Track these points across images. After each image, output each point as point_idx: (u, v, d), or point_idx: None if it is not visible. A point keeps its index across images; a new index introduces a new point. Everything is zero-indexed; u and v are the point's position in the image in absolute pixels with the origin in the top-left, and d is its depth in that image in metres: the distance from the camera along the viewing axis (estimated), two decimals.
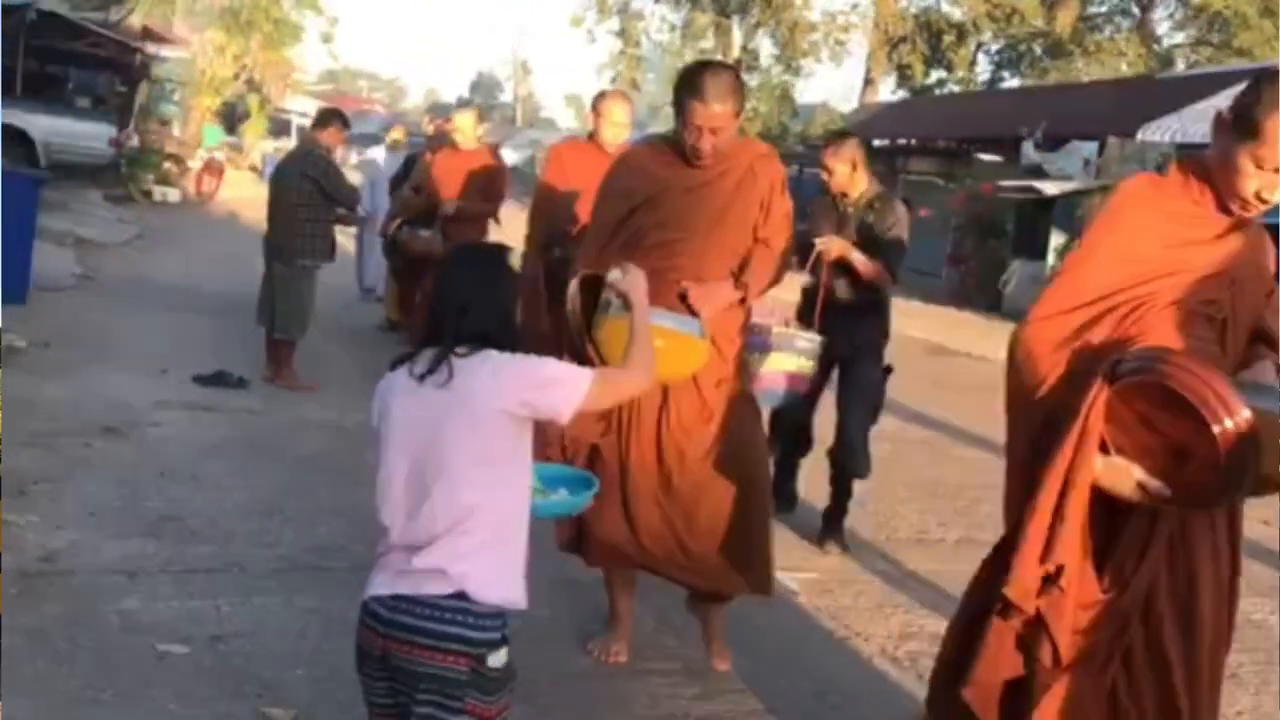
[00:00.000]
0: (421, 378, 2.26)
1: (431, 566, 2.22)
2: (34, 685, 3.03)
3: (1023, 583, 2.31)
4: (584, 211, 5.00)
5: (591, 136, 5.62)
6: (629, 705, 3.39)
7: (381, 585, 2.28)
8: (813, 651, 3.95)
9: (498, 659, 2.28)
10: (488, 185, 7.77)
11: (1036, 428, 2.39)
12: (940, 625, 4.30)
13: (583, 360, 3.24)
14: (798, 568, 4.73)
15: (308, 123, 8.54)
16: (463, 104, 9.74)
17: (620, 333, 2.96)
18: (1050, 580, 2.31)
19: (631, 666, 3.63)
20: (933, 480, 6.73)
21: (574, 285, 3.38)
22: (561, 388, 2.30)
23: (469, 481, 2.23)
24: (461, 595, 2.22)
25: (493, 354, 2.28)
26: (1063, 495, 2.28)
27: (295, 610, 3.75)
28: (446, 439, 2.23)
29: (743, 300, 3.53)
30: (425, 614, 2.21)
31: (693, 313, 3.38)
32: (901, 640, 4.14)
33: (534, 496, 2.50)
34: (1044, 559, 2.30)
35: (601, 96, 5.68)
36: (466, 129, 7.80)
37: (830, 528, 5.21)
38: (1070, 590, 2.32)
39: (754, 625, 3.92)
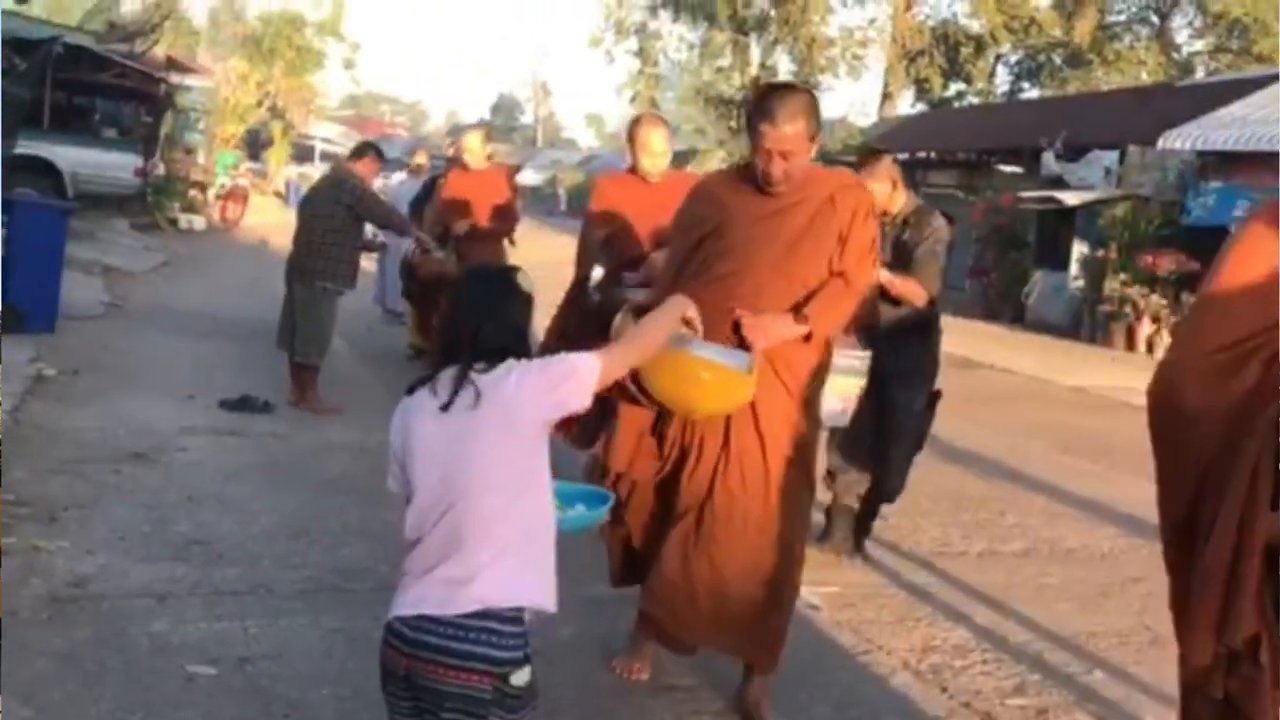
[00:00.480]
0: (447, 405, 2.30)
1: (454, 578, 2.26)
2: (65, 708, 3.08)
3: (1197, 659, 2.08)
4: (629, 246, 5.19)
5: (633, 169, 5.31)
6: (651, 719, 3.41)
7: (405, 605, 2.32)
8: (834, 665, 3.96)
9: (521, 677, 2.31)
10: (501, 205, 7.77)
11: (1191, 483, 2.14)
12: (963, 637, 4.33)
13: (624, 391, 3.25)
14: (820, 582, 4.73)
15: (332, 148, 8.67)
16: (472, 125, 9.91)
17: (667, 364, 3.02)
18: (1242, 657, 2.04)
19: (654, 683, 3.65)
20: (956, 492, 6.72)
21: (623, 315, 3.31)
22: (578, 375, 2.35)
23: (495, 490, 2.28)
24: (485, 614, 2.25)
25: (510, 364, 2.33)
26: (1236, 558, 2.02)
27: (321, 631, 3.79)
28: (476, 454, 2.27)
29: (809, 337, 3.32)
30: (449, 634, 2.25)
31: (745, 346, 3.23)
32: (924, 654, 4.14)
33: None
34: (1221, 632, 2.04)
35: (637, 123, 5.33)
36: (475, 149, 7.86)
37: (854, 541, 5.22)
38: (1271, 667, 2.02)
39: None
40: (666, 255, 3.69)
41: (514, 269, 2.58)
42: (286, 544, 4.61)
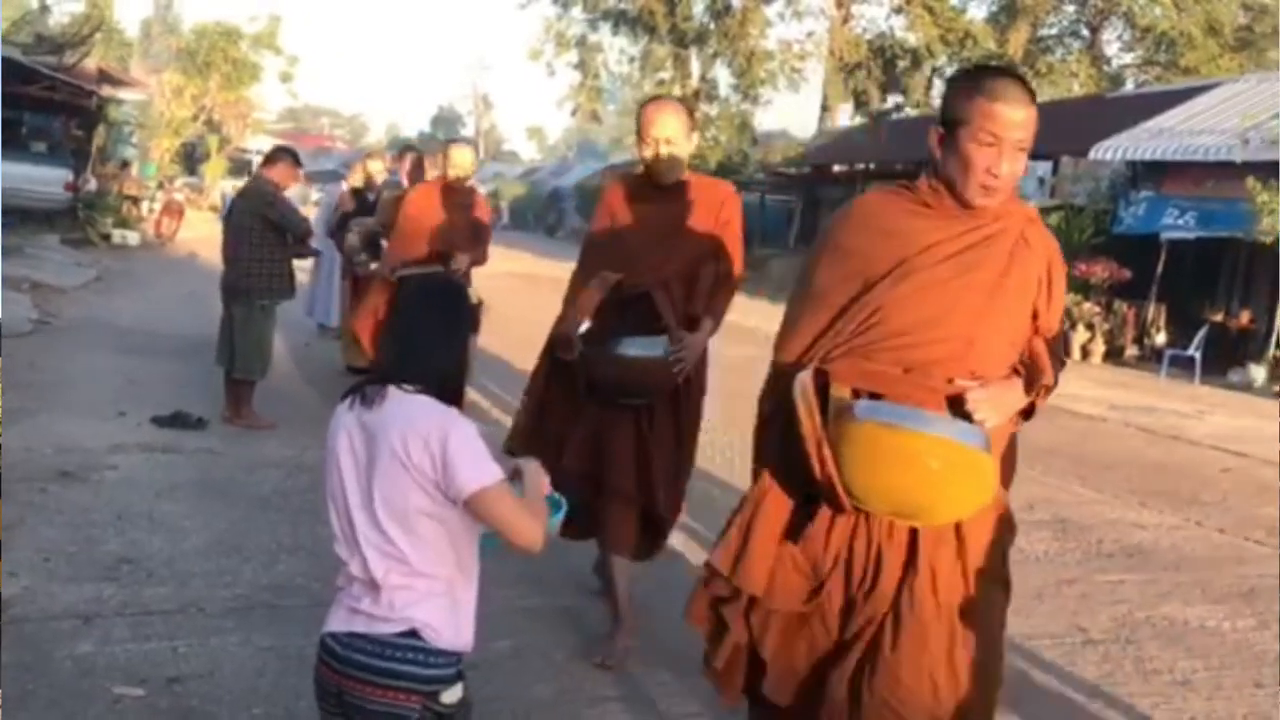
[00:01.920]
0: (363, 405, 2.27)
1: (382, 614, 2.23)
2: None
3: None
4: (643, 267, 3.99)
5: (647, 171, 3.99)
6: None
7: (338, 620, 2.29)
8: None
9: (452, 695, 2.29)
10: (477, 227, 7.13)
11: None
12: None
13: (813, 479, 2.41)
14: None
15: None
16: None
17: (873, 444, 2.32)
18: None
19: (590, 694, 3.64)
20: None
21: (807, 381, 2.41)
22: (464, 466, 2.19)
23: (400, 526, 2.23)
24: (413, 633, 2.23)
25: (421, 400, 2.25)
26: None
27: (253, 649, 3.73)
28: (378, 476, 2.24)
29: (1028, 412, 2.58)
30: (376, 651, 2.22)
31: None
32: None
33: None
34: None
35: (645, 106, 3.98)
36: (468, 165, 7.01)
37: None
38: None
39: None
40: (804, 301, 2.65)
41: (460, 284, 2.56)
42: (218, 561, 4.53)
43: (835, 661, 2.53)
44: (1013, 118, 2.39)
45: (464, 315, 2.43)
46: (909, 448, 2.32)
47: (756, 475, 2.66)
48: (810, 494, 2.50)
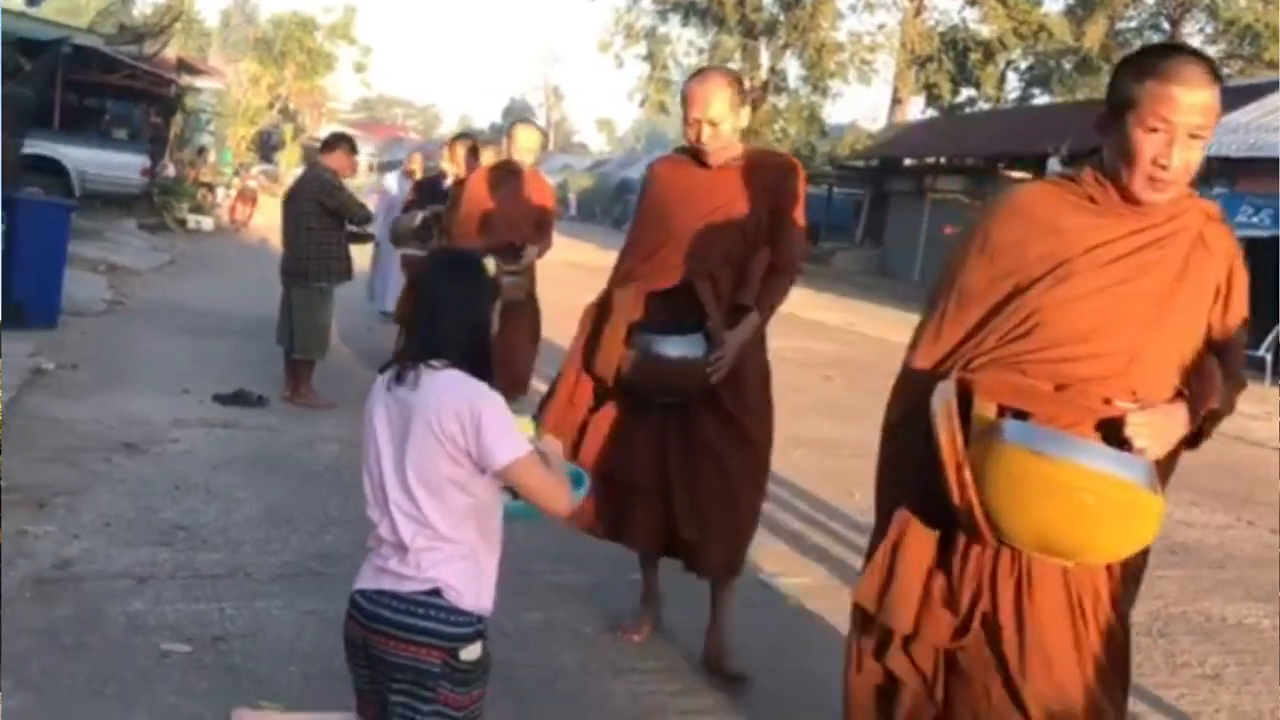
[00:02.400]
0: (398, 381, 2.41)
1: (409, 573, 2.36)
2: (40, 680, 3.19)
3: None
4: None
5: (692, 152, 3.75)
6: (611, 702, 3.50)
7: (367, 579, 2.43)
8: (798, 653, 4.03)
9: (471, 652, 2.41)
10: (542, 213, 6.66)
11: None
12: None
13: (951, 506, 2.15)
14: (788, 573, 4.82)
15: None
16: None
17: (1022, 472, 2.07)
18: None
19: (615, 665, 3.74)
20: None
21: (949, 396, 2.15)
22: (497, 439, 2.31)
23: (430, 492, 2.35)
24: (437, 592, 2.35)
25: (457, 378, 2.36)
26: None
27: (295, 612, 3.89)
28: (410, 448, 2.36)
29: (1193, 441, 2.30)
30: (402, 608, 2.35)
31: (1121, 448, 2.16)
32: None
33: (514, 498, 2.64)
34: None
35: (688, 82, 3.73)
36: (534, 146, 6.57)
37: None
38: None
39: (740, 627, 4.01)
40: (947, 301, 2.38)
41: (479, 256, 2.68)
42: (268, 530, 4.72)
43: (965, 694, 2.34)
44: (1187, 101, 2.13)
45: (482, 285, 2.54)
46: (1063, 480, 2.05)
47: (884, 492, 2.48)
48: (948, 516, 2.24)
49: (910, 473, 2.33)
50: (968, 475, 2.10)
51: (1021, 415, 2.20)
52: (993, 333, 2.26)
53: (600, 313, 3.75)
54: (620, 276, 3.79)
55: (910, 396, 2.35)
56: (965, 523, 2.18)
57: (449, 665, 2.37)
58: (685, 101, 3.63)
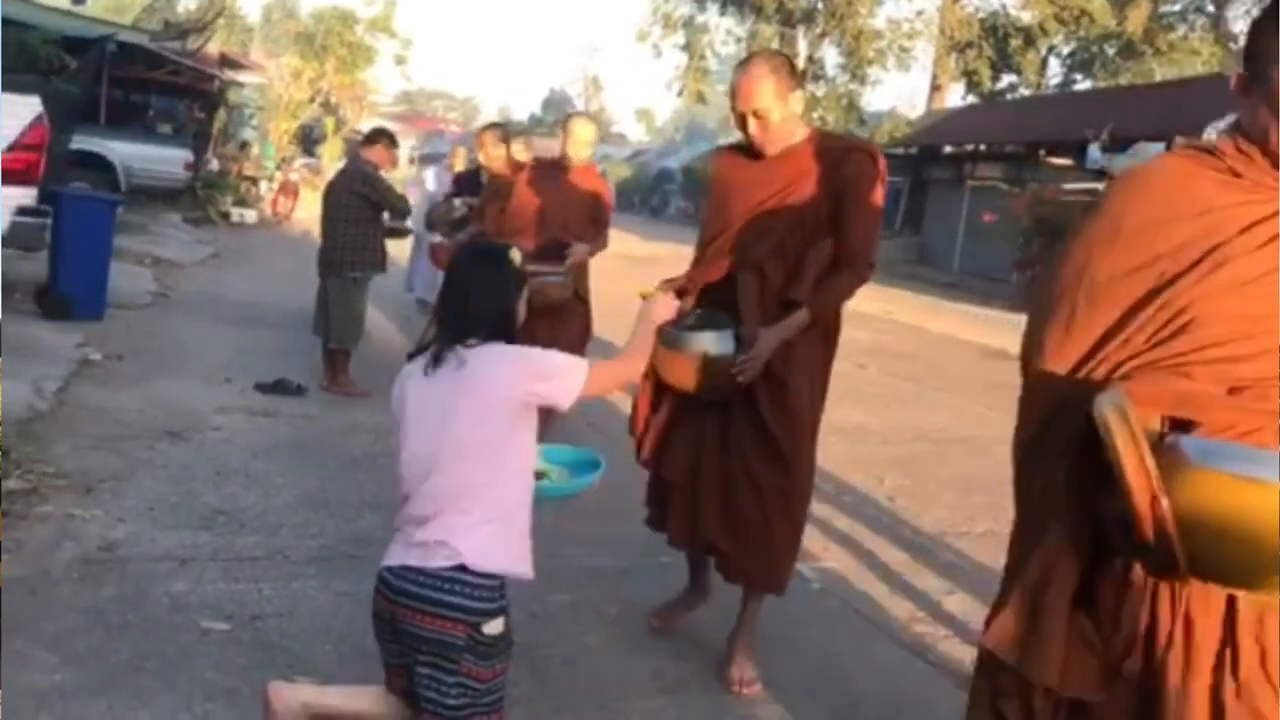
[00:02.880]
0: (435, 364, 2.51)
1: (433, 539, 2.47)
2: (85, 656, 3.33)
3: None
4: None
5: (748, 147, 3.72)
6: (633, 679, 3.59)
7: (394, 556, 2.54)
8: (817, 633, 4.11)
9: (494, 627, 2.51)
10: (597, 210, 6.21)
11: None
12: (950, 611, 4.47)
13: (1131, 537, 1.78)
14: (813, 558, 4.89)
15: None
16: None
17: (1220, 499, 1.75)
18: None
19: (638, 645, 3.84)
20: (967, 477, 6.82)
21: (1127, 406, 1.78)
22: (563, 378, 2.52)
23: (472, 461, 2.47)
24: (461, 568, 2.46)
25: (498, 346, 2.52)
26: None
27: (330, 593, 4.02)
28: (456, 422, 2.47)
29: None
30: (427, 583, 2.46)
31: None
32: (909, 625, 4.28)
33: (544, 479, 2.74)
34: None
35: (735, 71, 3.66)
36: (590, 139, 6.14)
37: None
38: None
39: (762, 608, 4.09)
40: (1077, 293, 2.03)
41: (507, 247, 2.78)
42: (306, 515, 4.86)
43: None
44: None
45: (509, 274, 2.66)
46: (1273, 506, 1.70)
47: (1027, 523, 2.16)
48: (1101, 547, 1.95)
49: (1060, 497, 2.02)
50: (1166, 506, 1.75)
51: (1185, 426, 1.90)
52: (1139, 331, 1.94)
53: None
54: (687, 272, 3.71)
55: (1049, 407, 2.06)
56: (1157, 559, 1.81)
57: (473, 639, 2.47)
58: (731, 93, 3.50)
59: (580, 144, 6.04)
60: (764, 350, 3.40)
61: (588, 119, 6.28)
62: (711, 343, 3.44)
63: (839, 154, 3.46)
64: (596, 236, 6.12)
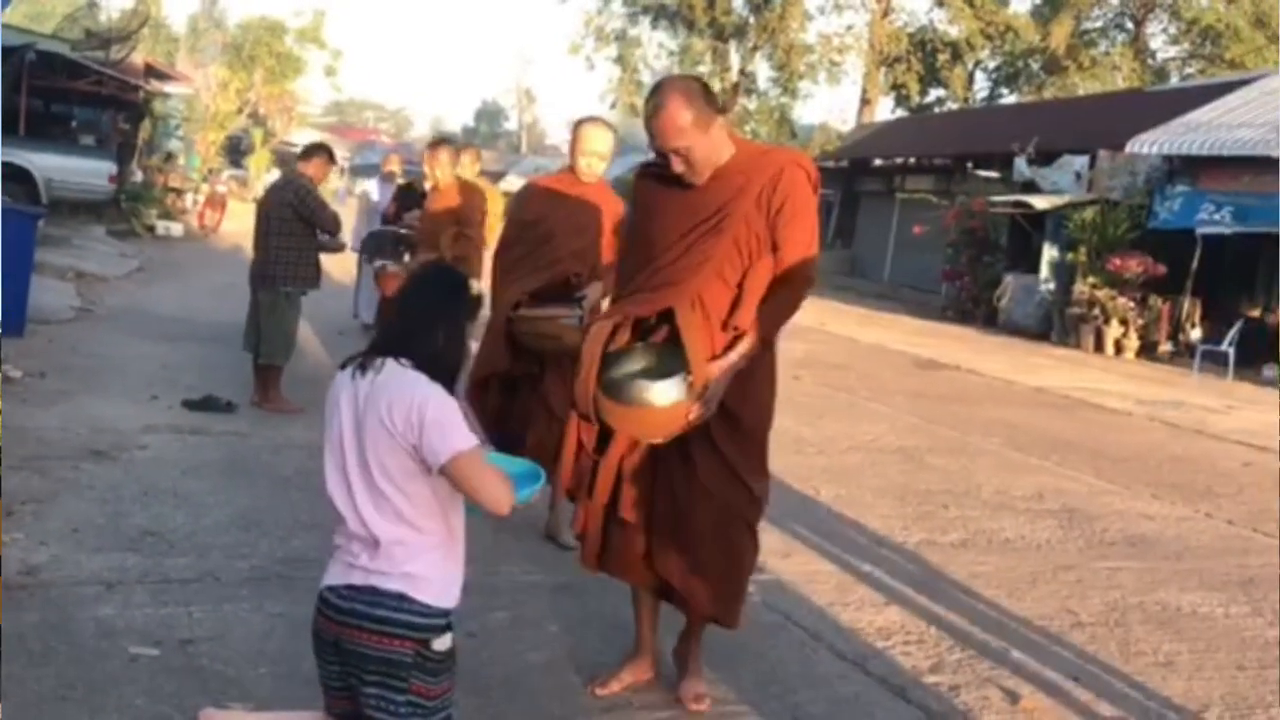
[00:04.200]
0: (361, 372, 2.46)
1: (379, 570, 2.42)
2: (8, 686, 3.21)
3: None
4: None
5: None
6: (576, 698, 3.56)
7: (336, 576, 2.49)
8: (758, 646, 4.10)
9: (442, 643, 2.47)
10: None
11: None
12: (888, 621, 4.50)
13: None
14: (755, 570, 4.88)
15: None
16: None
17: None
18: None
19: (579, 661, 3.80)
20: (902, 486, 6.89)
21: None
22: (441, 435, 2.36)
23: (398, 482, 2.42)
24: (407, 585, 2.41)
25: (409, 373, 2.42)
26: None
27: (263, 615, 3.93)
28: (368, 438, 2.42)
29: None
30: (374, 601, 2.41)
31: None
32: (848, 636, 4.29)
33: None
34: None
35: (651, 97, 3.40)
36: (607, 150, 4.90)
37: None
38: None
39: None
40: None
41: (463, 274, 2.75)
42: (237, 535, 4.75)
43: None
44: None
45: (462, 304, 2.61)
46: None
47: None
48: None
49: None
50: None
51: None
52: None
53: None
54: (609, 306, 3.52)
55: None
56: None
57: (421, 656, 2.43)
58: (647, 129, 3.27)
59: (594, 156, 4.77)
60: (717, 392, 3.24)
61: (603, 124, 4.94)
62: (662, 394, 3.18)
63: (772, 170, 3.29)
64: (610, 272, 4.79)
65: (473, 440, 2.41)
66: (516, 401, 5.01)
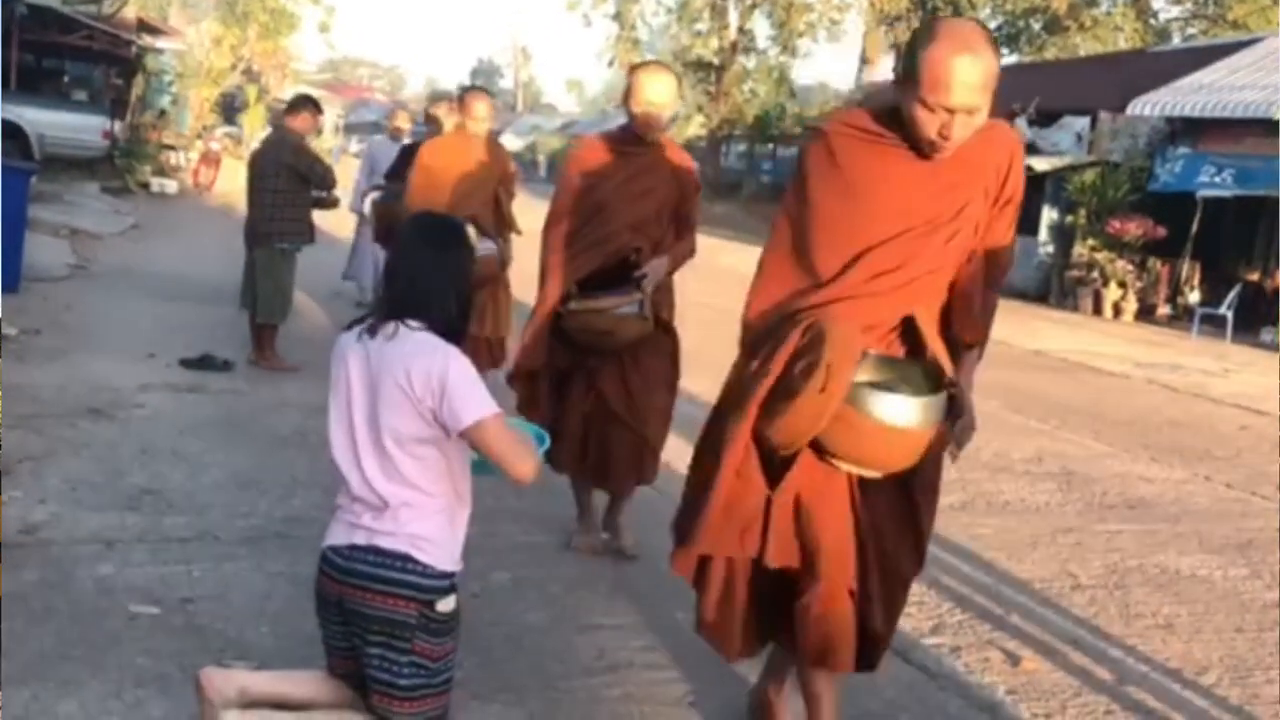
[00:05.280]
0: (371, 335, 2.42)
1: (384, 530, 2.39)
2: (8, 644, 3.19)
3: None
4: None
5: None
6: (577, 657, 3.55)
7: (339, 536, 2.46)
8: None
9: (446, 604, 2.45)
10: (682, 205, 4.50)
11: None
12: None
13: None
14: None
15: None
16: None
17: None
18: None
19: (581, 621, 3.80)
20: None
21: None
22: (463, 400, 2.34)
23: (399, 449, 2.39)
24: (413, 546, 2.39)
25: (423, 336, 2.39)
26: None
27: (264, 574, 3.92)
28: (383, 405, 2.39)
29: None
30: (378, 562, 2.38)
31: None
32: None
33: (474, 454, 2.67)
34: None
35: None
36: (669, 98, 4.19)
37: None
38: None
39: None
40: None
41: (462, 223, 2.69)
42: (236, 494, 4.73)
43: None
44: None
45: (464, 258, 2.55)
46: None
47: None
48: None
49: None
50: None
51: None
52: None
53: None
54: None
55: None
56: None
57: (425, 617, 2.41)
58: (925, 77, 2.49)
59: (659, 105, 4.12)
60: (973, 419, 2.81)
61: (664, 69, 4.32)
62: (929, 410, 2.64)
63: (1005, 152, 2.71)
64: (681, 241, 4.40)
65: (494, 406, 2.38)
66: (567, 400, 4.34)
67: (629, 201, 4.21)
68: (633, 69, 4.41)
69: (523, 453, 2.43)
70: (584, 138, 5.02)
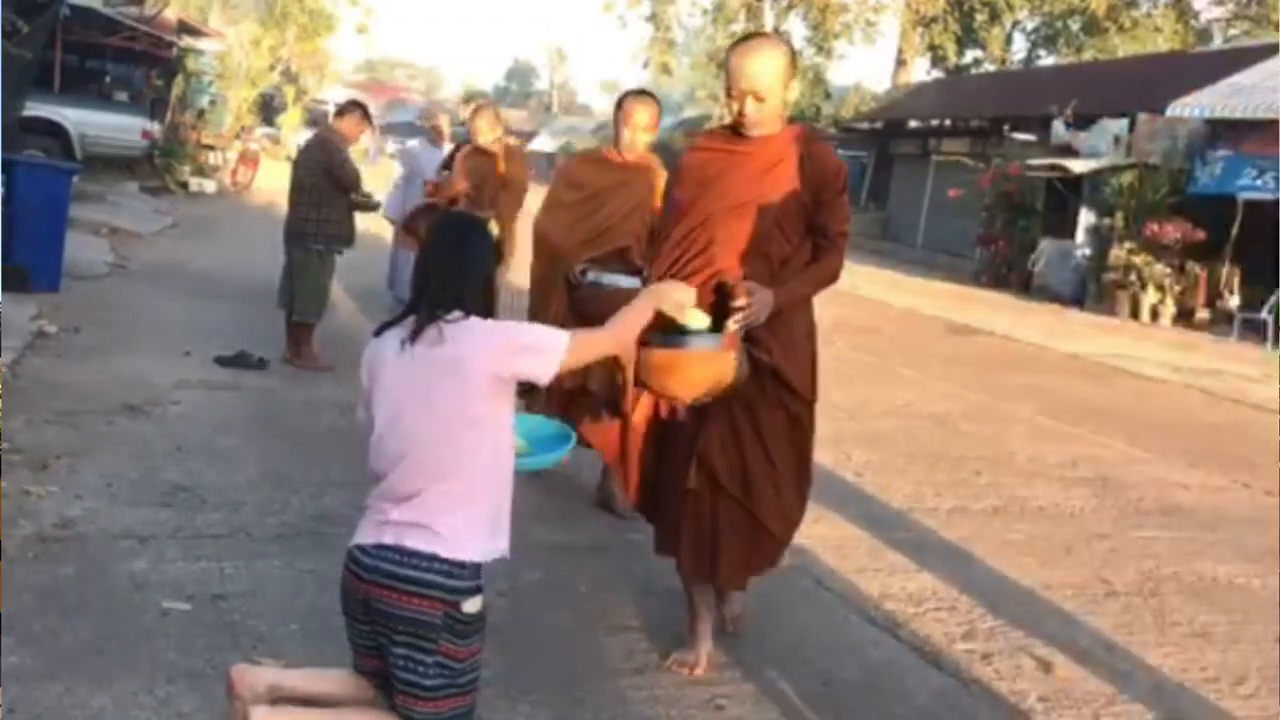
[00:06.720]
0: (412, 340, 2.43)
1: (410, 520, 2.40)
2: (42, 637, 3.24)
3: None
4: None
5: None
6: (606, 659, 3.55)
7: (366, 534, 2.47)
8: (789, 610, 4.09)
9: (472, 605, 2.45)
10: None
11: None
12: (920, 587, 4.46)
13: None
14: None
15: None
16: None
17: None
18: None
19: (609, 624, 3.80)
20: (935, 452, 6.83)
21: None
22: (545, 353, 2.45)
23: (450, 439, 2.40)
24: (439, 546, 2.39)
25: (478, 321, 2.44)
26: None
27: (294, 572, 3.94)
28: (437, 400, 2.40)
29: None
30: (404, 561, 2.39)
31: None
32: (880, 602, 4.26)
33: (518, 454, 2.68)
34: None
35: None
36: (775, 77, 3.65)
37: None
38: None
39: None
40: None
41: (484, 219, 2.73)
42: (269, 492, 4.77)
43: None
44: None
45: (489, 247, 2.61)
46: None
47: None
48: None
49: None
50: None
51: None
52: None
53: None
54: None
55: None
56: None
57: (450, 618, 2.41)
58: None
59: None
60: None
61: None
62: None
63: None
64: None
65: (565, 334, 2.49)
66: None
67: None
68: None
69: (616, 337, 2.67)
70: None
